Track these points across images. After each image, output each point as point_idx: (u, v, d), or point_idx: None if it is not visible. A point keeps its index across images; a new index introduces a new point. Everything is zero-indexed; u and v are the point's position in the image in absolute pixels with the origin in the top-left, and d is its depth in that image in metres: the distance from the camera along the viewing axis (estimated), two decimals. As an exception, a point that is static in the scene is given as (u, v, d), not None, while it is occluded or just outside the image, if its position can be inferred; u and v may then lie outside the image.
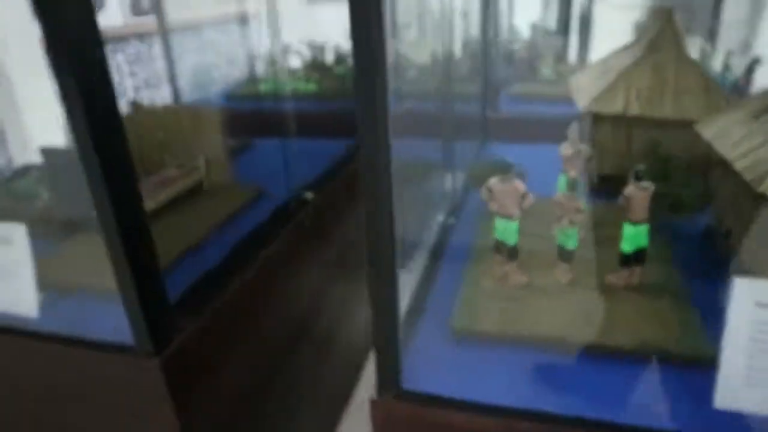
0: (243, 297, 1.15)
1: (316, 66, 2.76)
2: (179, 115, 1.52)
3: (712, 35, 1.94)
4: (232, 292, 1.11)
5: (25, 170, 1.66)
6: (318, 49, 2.96)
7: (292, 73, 2.72)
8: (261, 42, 3.72)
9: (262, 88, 2.68)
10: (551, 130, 1.18)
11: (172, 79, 2.74)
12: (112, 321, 1.03)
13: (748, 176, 0.88)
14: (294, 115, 1.88)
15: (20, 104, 2.13)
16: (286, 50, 2.97)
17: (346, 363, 1.88)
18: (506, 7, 2.55)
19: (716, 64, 1.86)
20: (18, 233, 1.01)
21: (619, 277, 0.98)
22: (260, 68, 3.07)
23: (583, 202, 0.95)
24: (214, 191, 1.51)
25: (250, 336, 1.19)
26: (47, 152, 1.63)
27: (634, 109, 1.23)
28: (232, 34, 3.88)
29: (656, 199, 0.92)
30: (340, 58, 2.78)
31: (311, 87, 2.58)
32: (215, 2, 3.30)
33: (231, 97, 2.68)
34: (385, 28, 0.61)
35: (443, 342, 0.92)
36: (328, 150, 1.95)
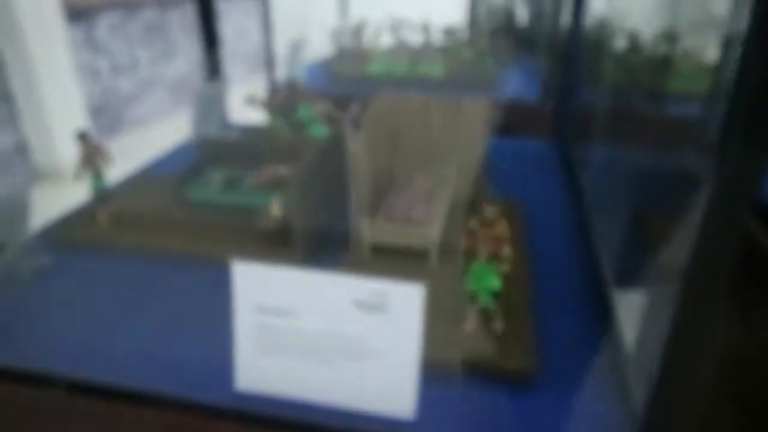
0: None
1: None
2: (430, 103, 1.14)
3: None
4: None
5: (196, 168, 1.23)
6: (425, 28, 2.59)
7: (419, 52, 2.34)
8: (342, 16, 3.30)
9: (375, 69, 2.29)
10: None
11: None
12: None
13: None
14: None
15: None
16: (397, 27, 2.59)
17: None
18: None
19: None
20: (406, 297, 0.64)
21: None
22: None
23: None
24: (469, 208, 1.15)
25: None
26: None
27: None
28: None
29: None
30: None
31: (438, 70, 2.21)
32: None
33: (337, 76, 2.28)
34: None
35: None
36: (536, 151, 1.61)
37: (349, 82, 2.26)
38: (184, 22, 4.41)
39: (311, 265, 0.89)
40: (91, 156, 1.08)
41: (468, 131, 1.14)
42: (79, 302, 0.92)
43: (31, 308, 0.91)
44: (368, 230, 0.95)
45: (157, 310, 0.90)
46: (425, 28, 2.66)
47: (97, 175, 1.10)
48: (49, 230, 1.12)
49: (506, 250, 0.74)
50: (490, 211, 0.72)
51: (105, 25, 3.65)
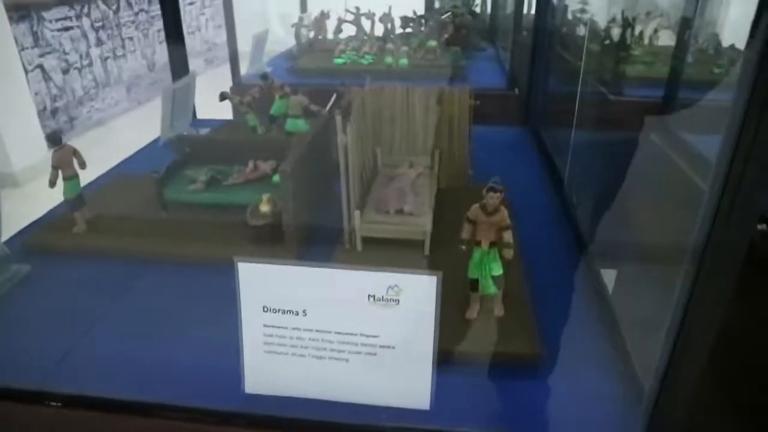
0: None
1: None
2: (413, 93, 1.14)
3: None
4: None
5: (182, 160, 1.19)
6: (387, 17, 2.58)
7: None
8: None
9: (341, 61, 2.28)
10: None
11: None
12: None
13: None
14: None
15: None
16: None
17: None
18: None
19: None
20: (421, 286, 0.64)
21: None
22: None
23: None
24: (454, 196, 1.15)
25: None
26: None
27: None
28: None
29: None
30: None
31: (404, 61, 2.21)
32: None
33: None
34: None
35: None
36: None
37: (314, 75, 2.23)
38: (137, 18, 4.27)
39: (304, 260, 0.89)
40: (66, 159, 1.03)
41: (450, 119, 1.15)
42: (67, 312, 0.88)
43: (19, 321, 0.87)
44: (362, 223, 0.95)
45: (150, 317, 0.87)
46: (385, 18, 2.65)
47: (73, 180, 1.05)
48: (23, 238, 1.07)
49: (508, 237, 0.75)
50: (492, 198, 0.73)
51: (53, 21, 3.49)
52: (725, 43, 1.84)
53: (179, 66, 1.68)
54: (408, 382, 0.67)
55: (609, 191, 1.14)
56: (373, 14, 2.66)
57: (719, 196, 0.51)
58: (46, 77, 3.48)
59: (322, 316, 0.66)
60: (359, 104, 1.05)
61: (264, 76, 1.48)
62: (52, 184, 1.03)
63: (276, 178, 1.11)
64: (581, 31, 1.74)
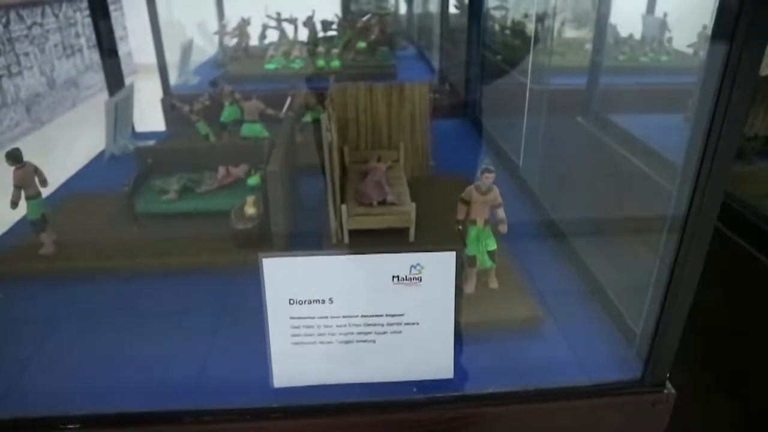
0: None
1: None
2: (376, 91, 1.19)
3: None
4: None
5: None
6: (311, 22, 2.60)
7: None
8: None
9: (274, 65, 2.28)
10: None
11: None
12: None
13: None
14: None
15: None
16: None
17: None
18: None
19: None
20: (441, 263, 0.69)
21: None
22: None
23: None
24: (419, 185, 1.22)
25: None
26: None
27: None
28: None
29: None
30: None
31: (336, 63, 2.25)
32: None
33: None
34: None
35: None
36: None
37: (246, 81, 2.21)
38: (31, 32, 3.99)
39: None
40: (28, 178, 0.99)
41: (412, 113, 1.21)
42: (62, 337, 0.85)
43: (18, 350, 0.82)
44: (348, 217, 0.98)
45: (153, 331, 0.86)
46: (309, 22, 2.67)
47: (36, 199, 1.01)
48: (-18, 266, 1.01)
49: (502, 213, 0.82)
50: (488, 178, 0.79)
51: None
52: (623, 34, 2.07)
53: (114, 78, 1.62)
54: (432, 354, 0.72)
55: (559, 168, 1.26)
56: (295, 19, 2.67)
57: (697, 173, 0.61)
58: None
59: (348, 301, 0.70)
60: (328, 103, 1.08)
61: (213, 84, 1.46)
62: (14, 204, 0.98)
63: (252, 181, 1.12)
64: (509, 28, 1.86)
